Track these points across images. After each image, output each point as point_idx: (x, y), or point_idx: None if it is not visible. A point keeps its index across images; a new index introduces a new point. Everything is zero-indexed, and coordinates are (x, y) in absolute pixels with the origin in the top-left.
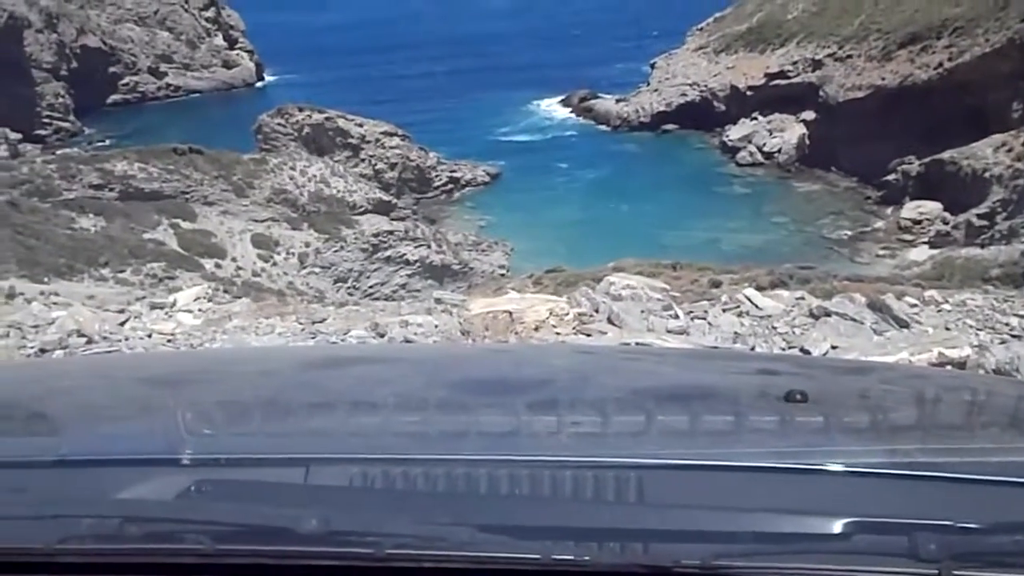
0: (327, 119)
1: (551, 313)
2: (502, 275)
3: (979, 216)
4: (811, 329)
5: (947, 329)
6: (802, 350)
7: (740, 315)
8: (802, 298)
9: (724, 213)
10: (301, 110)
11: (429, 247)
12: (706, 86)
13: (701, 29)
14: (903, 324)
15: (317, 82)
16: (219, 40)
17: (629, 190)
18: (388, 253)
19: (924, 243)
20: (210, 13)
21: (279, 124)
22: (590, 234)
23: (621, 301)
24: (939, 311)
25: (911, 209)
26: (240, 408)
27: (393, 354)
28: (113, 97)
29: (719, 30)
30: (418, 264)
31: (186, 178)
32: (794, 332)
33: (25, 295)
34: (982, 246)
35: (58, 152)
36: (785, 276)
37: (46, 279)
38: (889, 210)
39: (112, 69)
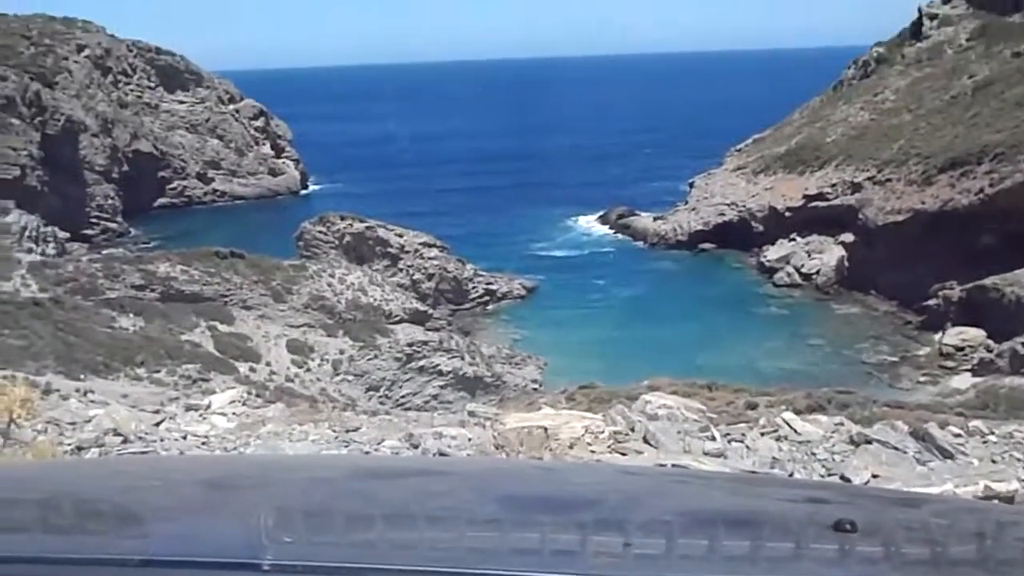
0: (367, 228)
1: (586, 430)
2: (535, 389)
3: None
4: (851, 456)
5: (993, 461)
6: (842, 477)
7: (778, 439)
8: (841, 424)
9: (761, 334)
10: (342, 219)
11: (463, 359)
12: (744, 206)
13: (740, 150)
14: (947, 455)
15: (359, 192)
16: (266, 148)
17: (665, 308)
18: (421, 363)
19: (967, 371)
20: (259, 122)
21: (320, 232)
22: (624, 351)
23: (657, 420)
24: (984, 442)
25: (953, 335)
26: (312, 516)
27: (444, 467)
28: (161, 200)
29: (758, 151)
30: (451, 375)
31: (226, 281)
32: (834, 459)
33: (61, 391)
34: None
35: (104, 252)
36: (823, 400)
37: (82, 376)
38: (930, 336)
39: (161, 173)
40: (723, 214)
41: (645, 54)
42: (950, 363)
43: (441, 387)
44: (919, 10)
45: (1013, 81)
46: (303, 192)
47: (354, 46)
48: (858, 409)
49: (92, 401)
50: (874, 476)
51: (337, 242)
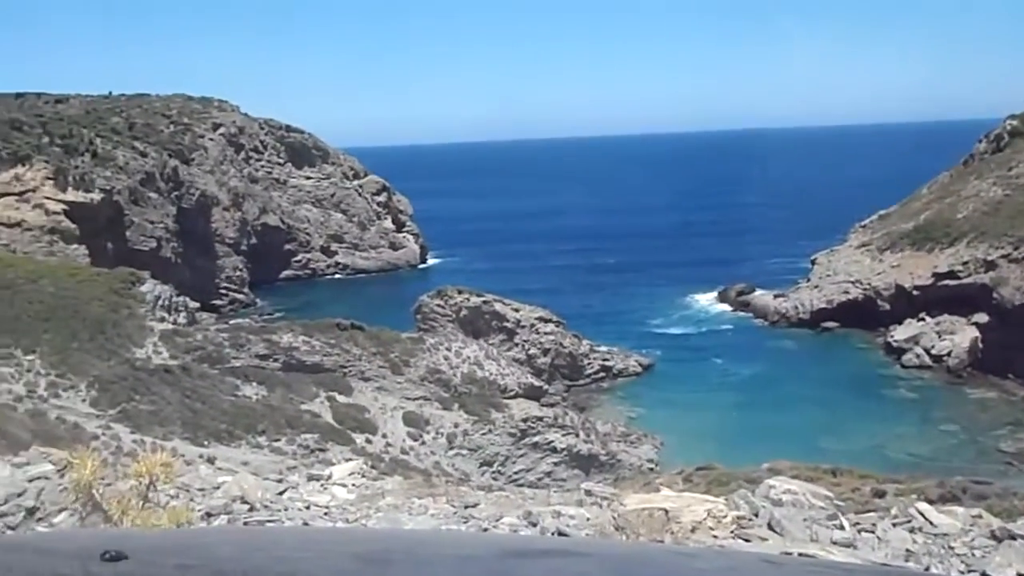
0: (484, 302)
1: (709, 514)
2: (650, 469)
3: None
4: (993, 552)
5: None
6: (983, 575)
7: (912, 531)
8: (980, 516)
9: (888, 418)
10: (460, 292)
11: (577, 436)
12: (870, 284)
13: (864, 226)
14: None
15: (477, 266)
16: (388, 223)
17: (785, 388)
18: (536, 439)
19: None
20: (382, 198)
21: (438, 305)
22: (743, 432)
23: (782, 506)
24: None
25: None
26: None
27: (581, 549)
28: (285, 272)
29: (883, 227)
30: (565, 452)
31: (346, 353)
32: (973, 554)
33: (185, 457)
34: None
35: (231, 321)
36: (957, 490)
37: (206, 443)
38: None
39: (287, 246)
40: (847, 292)
41: (759, 128)
42: None
43: (555, 464)
44: None
45: None
46: (422, 266)
47: (475, 123)
48: (997, 501)
49: (219, 468)
50: (1019, 575)
51: (454, 316)
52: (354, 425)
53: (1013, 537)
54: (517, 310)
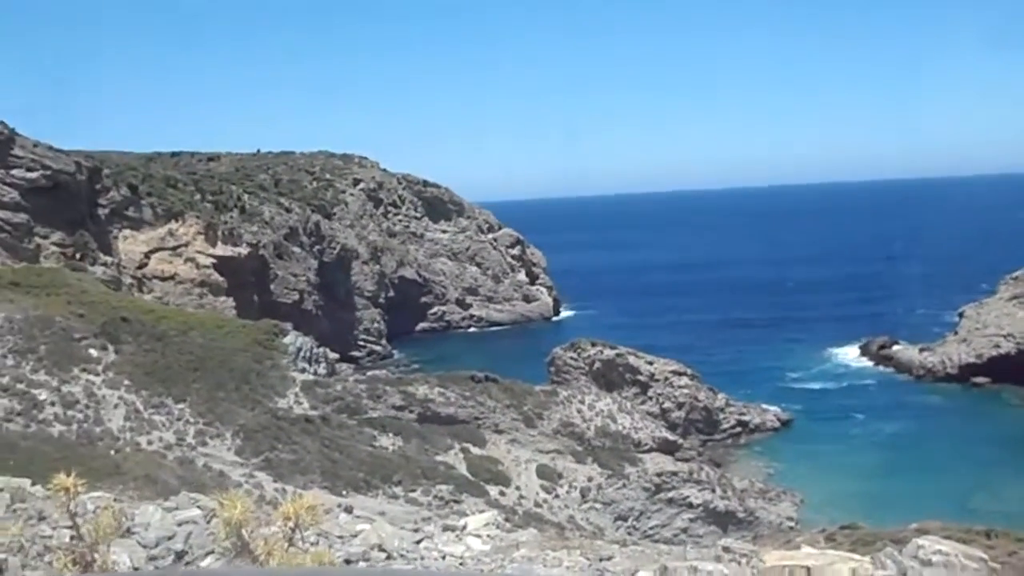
0: (618, 355)
1: (853, 573)
2: (790, 527)
3: None
4: None
5: None
6: None
7: None
8: None
9: None
10: (593, 345)
11: (714, 491)
12: (1023, 337)
13: (1016, 278)
14: None
15: (610, 319)
16: (522, 276)
17: (933, 446)
18: (671, 494)
19: None
20: (516, 251)
21: (571, 358)
22: (888, 489)
23: (932, 567)
24: None
25: None
26: None
27: None
28: (421, 325)
29: None
30: (701, 508)
31: (480, 405)
32: None
33: (324, 505)
34: None
35: (369, 373)
36: None
37: (344, 492)
38: None
39: (423, 299)
40: (998, 346)
41: (892, 180)
42: None
43: (691, 520)
44: None
45: None
46: (555, 318)
47: (608, 176)
48: None
49: (358, 516)
50: None
51: (587, 368)
52: (488, 477)
53: None
54: (651, 363)
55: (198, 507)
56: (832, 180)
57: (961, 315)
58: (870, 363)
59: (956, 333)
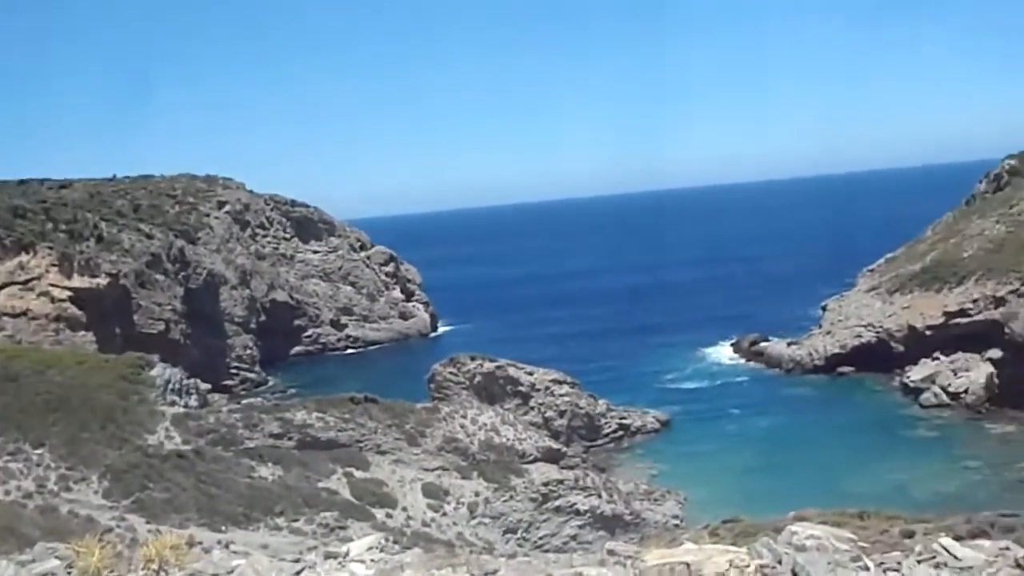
0: (498, 367)
1: (731, 564)
2: (676, 525)
3: None
4: None
5: None
6: None
7: (937, 566)
8: (1007, 548)
9: (911, 458)
10: (473, 359)
11: (600, 497)
12: (881, 326)
13: (872, 270)
14: None
15: (488, 332)
16: (397, 293)
17: (806, 436)
18: (558, 503)
19: None
20: (390, 268)
21: (451, 373)
22: (767, 482)
23: (805, 552)
24: None
25: None
26: None
27: None
28: (296, 348)
29: (891, 271)
30: (588, 514)
31: (361, 427)
32: None
33: (203, 543)
34: None
35: (243, 402)
36: (986, 524)
37: (224, 527)
38: None
39: (297, 322)
40: (860, 336)
41: (754, 182)
42: None
43: (580, 527)
44: None
45: None
46: (433, 334)
47: (476, 188)
48: None
49: (234, 552)
50: None
51: (468, 382)
52: (373, 500)
53: None
54: (531, 373)
55: (57, 557)
56: (722, 183)
57: (824, 309)
58: (742, 360)
59: (821, 326)
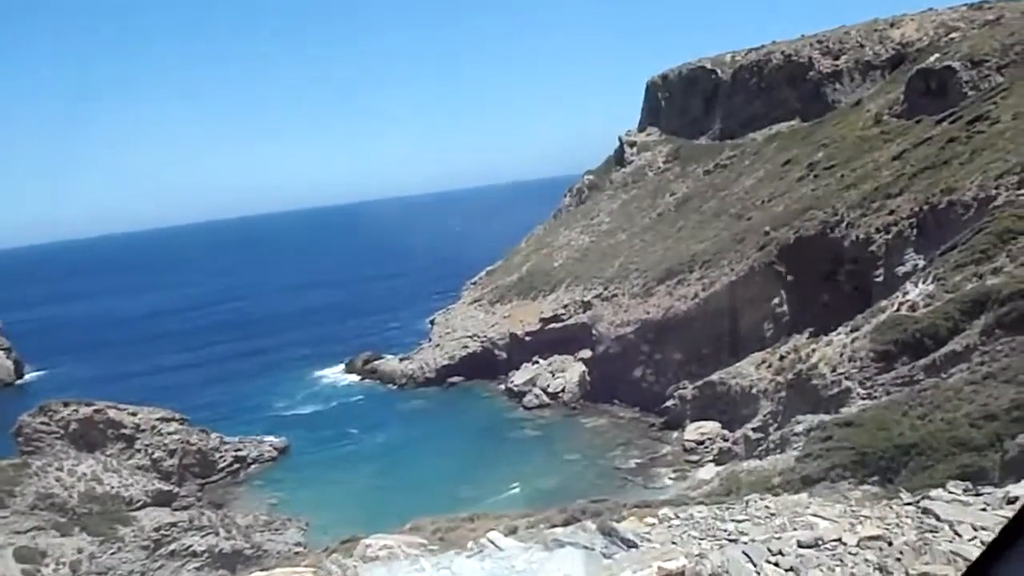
0: (96, 411)
1: None
2: (297, 553)
3: (754, 430)
4: (547, 562)
5: (673, 543)
6: None
7: (483, 559)
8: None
9: (518, 457)
10: (67, 405)
11: (217, 534)
12: (486, 336)
13: (475, 283)
14: (631, 544)
15: (83, 375)
16: None
17: (422, 448)
18: (172, 547)
19: (710, 461)
20: None
21: (42, 423)
22: (387, 496)
23: (374, 562)
24: (669, 527)
25: (692, 431)
26: None
27: None
28: None
29: (492, 282)
30: (207, 554)
31: None
32: (532, 567)
33: None
34: (760, 457)
35: None
36: (578, 512)
37: None
38: (673, 434)
39: None
40: (467, 346)
41: (344, 204)
42: (694, 457)
43: (198, 569)
44: (619, 139)
45: (708, 195)
46: (19, 382)
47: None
48: (608, 515)
49: None
50: None
51: (63, 431)
52: None
53: (563, 545)
54: (135, 414)
55: None
56: (280, 210)
57: (432, 323)
58: (357, 379)
59: (431, 340)
